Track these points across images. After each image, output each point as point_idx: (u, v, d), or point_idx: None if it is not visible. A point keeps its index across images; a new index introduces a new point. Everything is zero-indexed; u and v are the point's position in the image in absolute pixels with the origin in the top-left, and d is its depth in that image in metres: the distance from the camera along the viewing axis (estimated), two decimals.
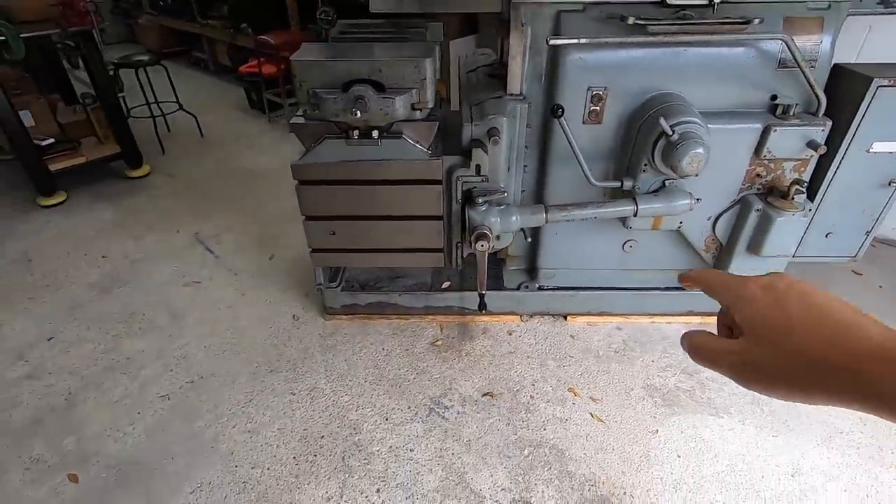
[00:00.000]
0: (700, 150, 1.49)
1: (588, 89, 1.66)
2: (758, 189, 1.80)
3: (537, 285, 2.16)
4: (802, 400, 0.40)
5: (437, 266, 2.02)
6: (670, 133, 1.51)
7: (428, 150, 1.64)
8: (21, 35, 2.60)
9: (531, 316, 2.23)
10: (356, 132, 1.58)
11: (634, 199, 1.64)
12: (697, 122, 1.53)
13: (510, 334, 2.17)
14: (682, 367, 1.99)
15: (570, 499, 1.56)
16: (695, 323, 2.17)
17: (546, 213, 1.66)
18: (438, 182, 1.68)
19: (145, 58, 3.65)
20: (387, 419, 1.81)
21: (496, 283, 2.21)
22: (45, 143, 3.14)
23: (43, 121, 3.28)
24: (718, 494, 1.57)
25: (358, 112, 1.31)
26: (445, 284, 2.19)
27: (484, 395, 1.90)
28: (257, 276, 2.53)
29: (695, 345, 0.47)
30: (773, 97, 1.65)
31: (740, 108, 1.70)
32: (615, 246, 2.02)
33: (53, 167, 3.10)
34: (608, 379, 1.96)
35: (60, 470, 1.66)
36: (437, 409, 1.84)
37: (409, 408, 1.85)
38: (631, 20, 1.49)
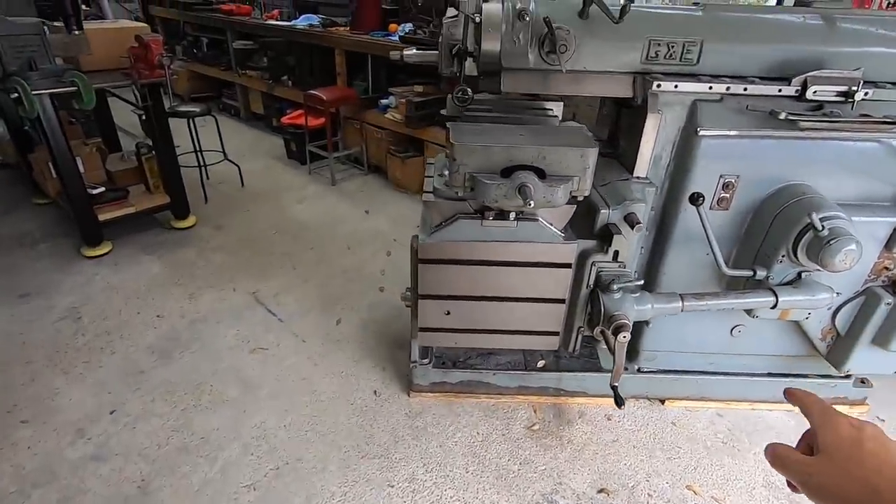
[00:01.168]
0: (853, 248, 1.45)
1: (720, 177, 1.64)
2: (882, 282, 1.76)
3: (637, 367, 2.07)
4: None
5: (551, 349, 1.92)
6: (820, 228, 1.47)
7: (562, 232, 1.58)
8: (94, 86, 2.54)
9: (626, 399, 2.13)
10: (492, 213, 1.53)
11: (773, 292, 1.59)
12: (843, 216, 1.50)
13: (609, 419, 2.05)
14: None
15: None
16: (795, 412, 2.08)
17: (682, 301, 1.60)
18: (568, 266, 1.61)
19: (196, 109, 3.62)
20: None
21: (591, 363, 2.11)
22: (95, 191, 3.03)
23: (92, 168, 3.19)
24: None
25: (529, 201, 1.25)
26: (540, 363, 2.08)
27: (599, 491, 1.76)
28: (326, 342, 2.40)
29: (777, 454, 0.58)
30: None
31: (865, 200, 1.69)
32: (724, 330, 1.95)
33: (103, 217, 2.99)
34: (724, 474, 1.84)
35: None
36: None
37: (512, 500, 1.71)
38: (783, 115, 1.48)
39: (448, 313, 1.71)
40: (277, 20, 5.04)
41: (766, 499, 1.76)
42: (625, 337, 1.51)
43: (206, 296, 2.71)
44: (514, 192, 1.31)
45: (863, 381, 2.10)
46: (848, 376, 2.04)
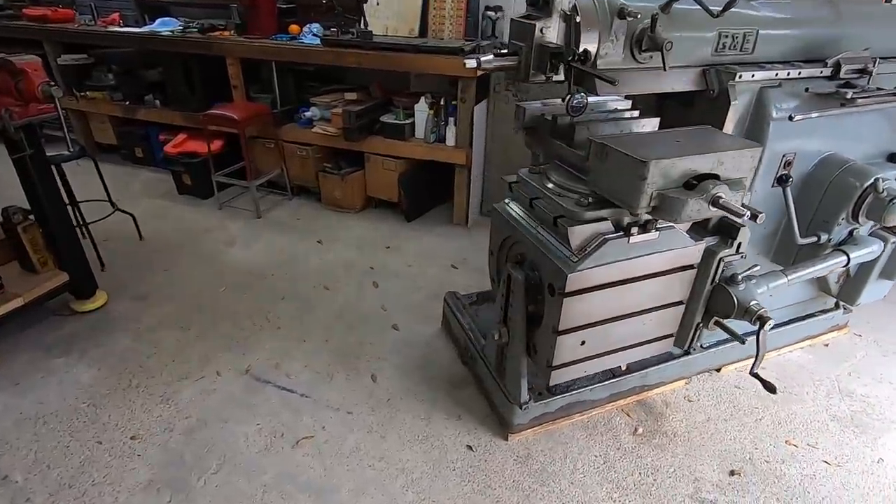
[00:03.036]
0: None
1: (783, 156, 1.76)
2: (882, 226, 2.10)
3: (699, 344, 2.16)
4: None
5: (666, 352, 1.88)
6: (881, 191, 1.68)
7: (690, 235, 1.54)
8: None
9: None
10: (636, 228, 1.41)
11: (845, 252, 1.77)
12: (892, 178, 1.73)
13: (689, 400, 2.12)
14: (840, 390, 2.18)
15: None
16: (808, 346, 2.41)
17: (786, 276, 1.69)
18: (694, 266, 1.58)
19: (66, 152, 2.72)
20: None
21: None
22: None
23: None
24: None
25: (729, 210, 1.17)
26: (623, 366, 2.05)
27: (731, 474, 1.81)
28: (377, 407, 2.03)
29: None
30: None
31: (874, 158, 1.97)
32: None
33: None
34: (800, 420, 2.04)
35: None
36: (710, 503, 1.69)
37: None
38: (850, 94, 1.63)
39: (583, 343, 1.55)
40: (120, 26, 4.03)
41: (837, 430, 2.00)
42: (769, 326, 1.54)
43: (183, 392, 2.08)
44: (708, 204, 1.21)
45: (845, 308, 2.51)
46: (846, 308, 2.41)
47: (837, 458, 1.88)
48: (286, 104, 3.67)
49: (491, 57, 1.49)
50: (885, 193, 1.69)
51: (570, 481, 1.76)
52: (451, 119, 3.15)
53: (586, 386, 1.94)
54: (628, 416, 2.04)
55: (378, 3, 3.13)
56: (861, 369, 2.30)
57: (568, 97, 1.44)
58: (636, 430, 1.98)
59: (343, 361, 2.26)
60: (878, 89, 1.77)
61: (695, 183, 1.23)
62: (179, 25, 3.83)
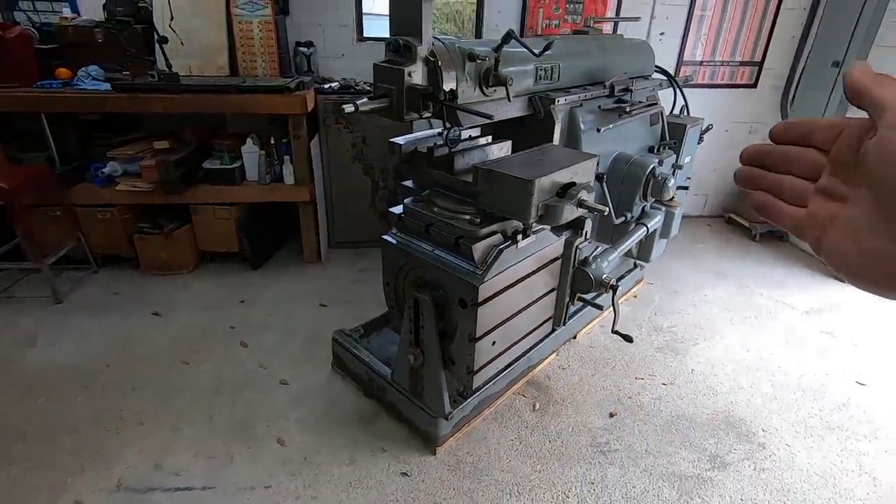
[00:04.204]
0: (673, 182, 2.33)
1: None
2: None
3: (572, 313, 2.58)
4: None
5: (548, 333, 2.16)
6: (657, 175, 2.28)
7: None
8: None
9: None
10: (521, 234, 1.67)
11: (645, 225, 2.35)
12: (659, 164, 2.36)
13: (563, 368, 2.51)
14: (654, 328, 2.84)
15: None
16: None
17: (616, 248, 2.16)
18: (559, 257, 1.92)
19: None
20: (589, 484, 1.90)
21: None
22: None
23: None
24: None
25: (590, 209, 1.49)
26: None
27: (610, 416, 2.22)
28: (294, 470, 1.91)
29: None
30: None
31: (644, 150, 2.64)
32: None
33: None
34: (639, 358, 2.60)
35: None
36: (603, 450, 2.05)
37: (575, 465, 1.99)
38: (627, 107, 2.17)
39: (494, 343, 1.75)
40: None
41: (662, 358, 2.61)
42: (620, 293, 1.96)
43: None
44: (575, 206, 1.52)
45: (641, 266, 3.25)
46: (642, 266, 3.12)
47: (669, 379, 2.47)
48: (69, 162, 3.05)
49: (366, 100, 1.57)
50: (660, 177, 2.30)
51: (499, 470, 1.95)
52: (287, 157, 3.06)
53: (490, 380, 2.15)
54: (524, 396, 2.32)
55: (183, 44, 2.86)
56: (661, 308, 3.04)
57: (446, 131, 1.61)
58: (535, 406, 2.27)
59: (238, 436, 2.04)
60: (639, 102, 2.39)
61: (562, 192, 1.53)
62: None
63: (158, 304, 2.89)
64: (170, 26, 2.85)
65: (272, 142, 3.07)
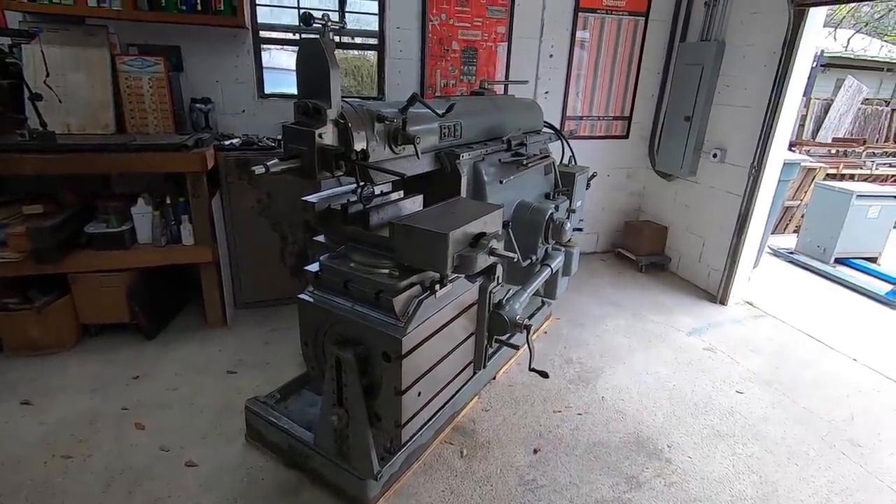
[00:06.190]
0: (570, 225, 2.56)
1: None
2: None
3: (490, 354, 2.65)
4: None
5: (470, 377, 2.19)
6: (556, 220, 2.50)
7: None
8: None
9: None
10: (438, 284, 1.73)
11: (549, 266, 2.54)
12: (556, 210, 2.59)
13: (486, 410, 2.56)
14: (565, 360, 3.01)
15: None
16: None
17: (526, 288, 2.30)
18: (475, 303, 2.00)
19: None
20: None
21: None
22: None
23: None
24: None
25: (500, 257, 1.59)
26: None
27: (534, 452, 2.29)
28: None
29: None
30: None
31: (541, 197, 2.87)
32: None
33: None
34: (555, 392, 2.74)
35: None
36: (531, 488, 2.10)
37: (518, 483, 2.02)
38: (525, 161, 2.38)
39: (419, 394, 1.76)
40: None
41: (574, 389, 2.77)
42: (533, 331, 2.08)
43: None
44: (487, 254, 1.62)
45: (549, 303, 3.46)
46: (549, 303, 3.33)
47: (584, 409, 2.62)
48: None
49: (276, 161, 1.58)
50: (558, 221, 2.52)
51: None
52: (185, 216, 2.89)
53: (418, 431, 2.13)
54: (451, 444, 2.32)
55: (61, 102, 2.64)
56: (570, 341, 3.24)
57: (360, 189, 1.65)
58: (462, 452, 2.28)
59: None
60: (534, 155, 2.63)
61: (474, 242, 1.62)
62: None
63: (28, 390, 2.50)
64: (45, 83, 2.63)
65: (168, 201, 2.89)
